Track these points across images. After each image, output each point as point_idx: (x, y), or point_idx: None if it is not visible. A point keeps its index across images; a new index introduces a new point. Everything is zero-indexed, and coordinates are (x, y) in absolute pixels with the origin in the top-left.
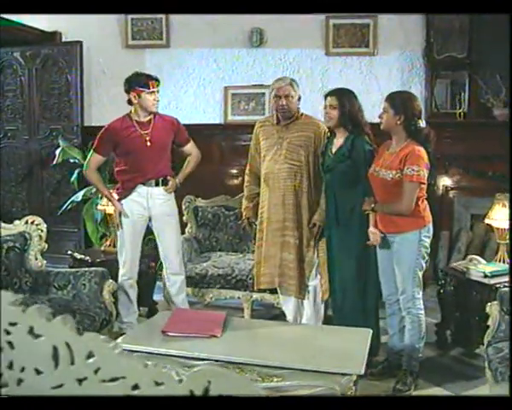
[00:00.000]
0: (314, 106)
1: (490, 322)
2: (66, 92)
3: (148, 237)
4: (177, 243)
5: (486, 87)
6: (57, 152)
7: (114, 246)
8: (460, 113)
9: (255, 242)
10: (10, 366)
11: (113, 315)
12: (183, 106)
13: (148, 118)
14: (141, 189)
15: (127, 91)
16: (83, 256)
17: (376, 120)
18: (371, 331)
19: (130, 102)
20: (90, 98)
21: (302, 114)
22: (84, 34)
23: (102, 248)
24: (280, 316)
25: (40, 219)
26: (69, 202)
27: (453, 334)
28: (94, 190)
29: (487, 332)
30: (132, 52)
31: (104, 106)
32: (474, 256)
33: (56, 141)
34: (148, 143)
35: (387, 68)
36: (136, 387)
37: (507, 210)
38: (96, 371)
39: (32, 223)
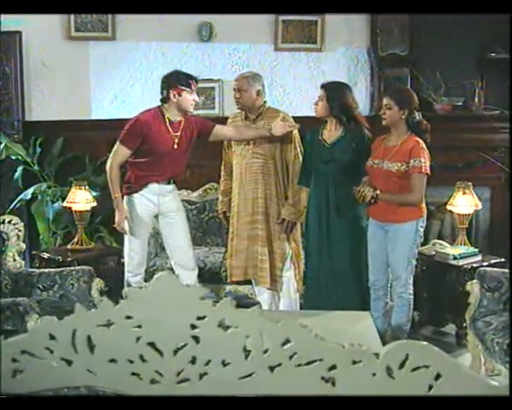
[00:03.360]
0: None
1: (471, 299)
2: (4, 85)
3: (99, 235)
4: (188, 237)
5: (427, 83)
6: None
7: (82, 244)
8: None
9: (219, 235)
10: (193, 361)
11: None
12: (130, 100)
13: (180, 119)
14: (152, 185)
15: (167, 89)
16: (51, 256)
17: None
18: (369, 313)
19: (164, 100)
20: (29, 92)
21: (269, 108)
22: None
23: (69, 247)
24: None
25: (17, 218)
26: (17, 200)
27: (421, 314)
28: (43, 187)
29: (469, 308)
30: (75, 44)
31: (45, 100)
32: (437, 241)
33: None
34: (176, 147)
35: (334, 64)
36: (333, 368)
37: (467, 197)
38: (291, 357)
39: (10, 222)
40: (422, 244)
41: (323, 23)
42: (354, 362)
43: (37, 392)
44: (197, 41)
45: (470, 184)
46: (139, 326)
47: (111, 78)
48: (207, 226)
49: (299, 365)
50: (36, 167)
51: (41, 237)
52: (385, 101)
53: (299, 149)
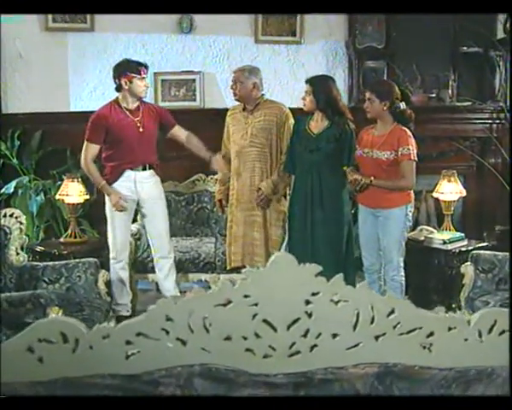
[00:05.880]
0: None
1: (466, 280)
2: None
3: (80, 228)
4: (167, 225)
5: (404, 75)
6: None
7: (75, 237)
8: None
9: (208, 225)
10: (305, 335)
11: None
12: (111, 92)
13: (136, 104)
14: (128, 173)
15: (117, 77)
16: (46, 249)
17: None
18: None
19: (118, 89)
20: (6, 84)
21: (266, 100)
22: None
23: (62, 240)
24: None
25: (19, 211)
26: None
27: (410, 297)
28: (25, 181)
29: (463, 289)
30: (53, 35)
31: (22, 92)
32: (423, 226)
33: None
34: (141, 129)
35: (313, 56)
36: (431, 335)
37: (452, 184)
38: (394, 327)
39: (11, 216)
40: None
41: (303, 16)
42: (450, 329)
43: (152, 372)
44: (178, 33)
45: (455, 172)
46: (256, 304)
47: (90, 69)
48: (196, 217)
49: (401, 333)
50: (15, 161)
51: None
52: (367, 95)
53: None
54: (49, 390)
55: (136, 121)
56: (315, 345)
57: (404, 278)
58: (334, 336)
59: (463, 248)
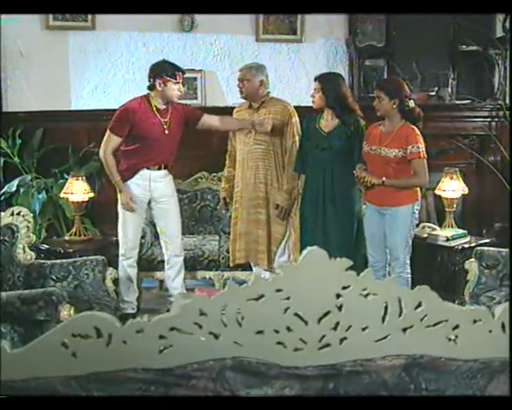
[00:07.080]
0: None
1: (470, 276)
2: None
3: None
4: (179, 223)
5: (403, 73)
6: None
7: (80, 235)
8: None
9: (211, 223)
10: (335, 328)
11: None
12: (112, 90)
13: (166, 106)
14: (143, 171)
15: (153, 77)
16: (50, 247)
17: (304, 104)
18: None
19: (150, 88)
20: (6, 82)
21: (272, 98)
22: None
23: (67, 238)
24: None
25: (26, 209)
26: (1, 192)
27: None
28: (28, 178)
29: (467, 285)
30: (54, 34)
31: (22, 90)
32: (426, 224)
33: None
34: (167, 132)
35: (314, 55)
36: (456, 327)
37: (455, 182)
38: (421, 319)
39: (19, 214)
40: None
41: (303, 15)
42: (475, 321)
43: (184, 365)
44: (179, 31)
45: (457, 169)
46: (288, 298)
47: (91, 68)
48: (199, 215)
49: (428, 326)
50: (16, 159)
51: None
52: (376, 93)
53: (297, 138)
54: (82, 385)
55: (164, 123)
56: (344, 338)
57: (410, 275)
58: (364, 328)
59: (466, 245)
